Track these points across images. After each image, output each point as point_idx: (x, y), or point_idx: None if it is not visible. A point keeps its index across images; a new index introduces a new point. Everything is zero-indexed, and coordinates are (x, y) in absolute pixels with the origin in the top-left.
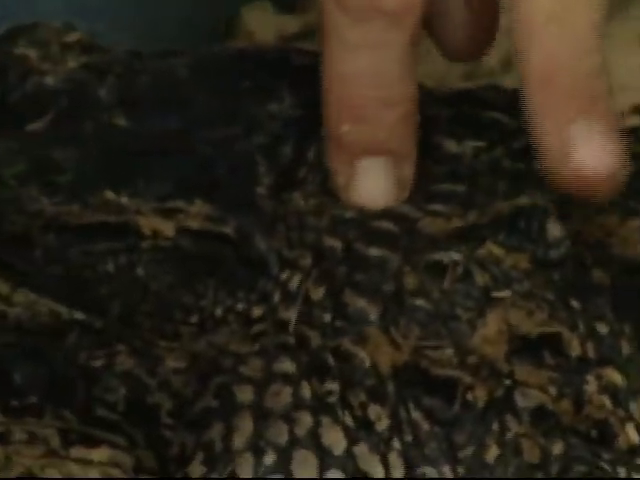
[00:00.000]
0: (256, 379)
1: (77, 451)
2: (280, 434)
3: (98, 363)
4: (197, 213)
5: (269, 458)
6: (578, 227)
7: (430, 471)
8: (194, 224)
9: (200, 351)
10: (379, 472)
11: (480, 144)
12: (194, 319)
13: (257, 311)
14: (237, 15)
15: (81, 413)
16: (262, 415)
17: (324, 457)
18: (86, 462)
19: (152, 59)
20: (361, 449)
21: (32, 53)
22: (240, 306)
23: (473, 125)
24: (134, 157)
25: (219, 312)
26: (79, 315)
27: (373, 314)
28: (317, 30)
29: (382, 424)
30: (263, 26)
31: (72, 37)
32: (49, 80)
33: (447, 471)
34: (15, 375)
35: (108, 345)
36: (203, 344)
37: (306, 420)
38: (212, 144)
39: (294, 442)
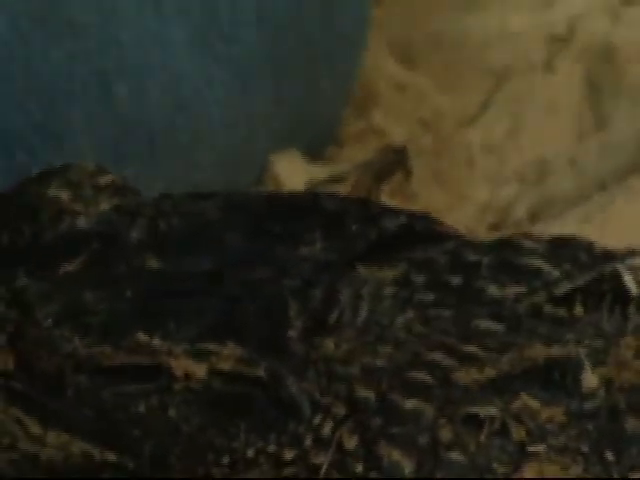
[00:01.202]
0: None
1: None
2: None
3: None
4: (229, 355)
5: None
6: (613, 374)
7: None
8: (226, 366)
9: None
10: None
11: (522, 290)
12: (226, 460)
13: (288, 454)
14: (267, 163)
15: None
16: None
17: None
18: None
19: (183, 201)
20: None
21: (64, 194)
22: (271, 448)
23: (514, 271)
24: (166, 299)
25: (250, 453)
26: (111, 457)
27: (408, 467)
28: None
29: None
30: (292, 174)
31: (104, 179)
32: (81, 222)
33: None
34: None
35: None
36: None
37: None
38: (243, 286)
39: None
